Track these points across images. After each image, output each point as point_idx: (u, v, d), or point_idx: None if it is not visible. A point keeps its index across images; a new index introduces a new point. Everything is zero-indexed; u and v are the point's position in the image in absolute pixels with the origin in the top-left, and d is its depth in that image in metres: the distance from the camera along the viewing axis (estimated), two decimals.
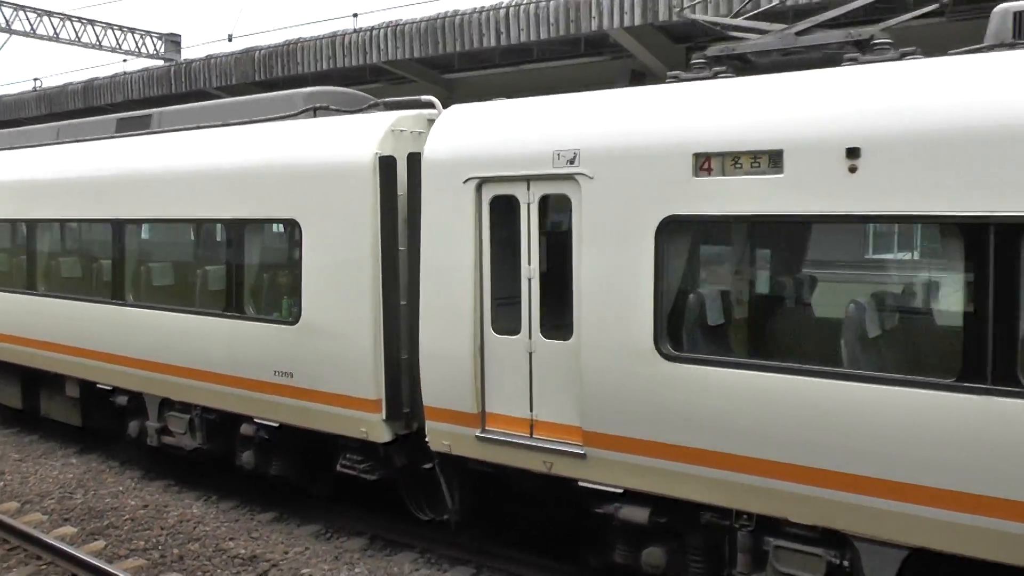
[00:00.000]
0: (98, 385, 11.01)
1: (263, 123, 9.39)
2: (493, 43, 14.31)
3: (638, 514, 6.74)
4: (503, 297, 7.38)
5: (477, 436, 7.40)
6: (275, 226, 8.94)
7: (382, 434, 8.05)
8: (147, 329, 10.08)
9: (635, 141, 6.54)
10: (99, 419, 11.71)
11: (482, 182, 7.30)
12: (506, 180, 7.19)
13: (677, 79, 7.09)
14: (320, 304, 8.29)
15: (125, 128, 11.40)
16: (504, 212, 7.33)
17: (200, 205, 9.45)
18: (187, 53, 29.49)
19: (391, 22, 15.99)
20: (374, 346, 7.94)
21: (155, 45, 29.97)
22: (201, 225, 9.69)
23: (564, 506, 7.54)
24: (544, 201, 7.10)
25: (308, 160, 8.39)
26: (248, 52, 18.64)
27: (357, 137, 8.13)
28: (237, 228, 9.05)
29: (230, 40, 30.28)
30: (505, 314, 7.36)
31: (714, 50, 7.19)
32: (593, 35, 13.67)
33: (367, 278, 7.93)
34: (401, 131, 8.09)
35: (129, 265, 10.47)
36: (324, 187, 8.22)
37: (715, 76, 6.92)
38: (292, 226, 8.53)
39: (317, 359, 8.32)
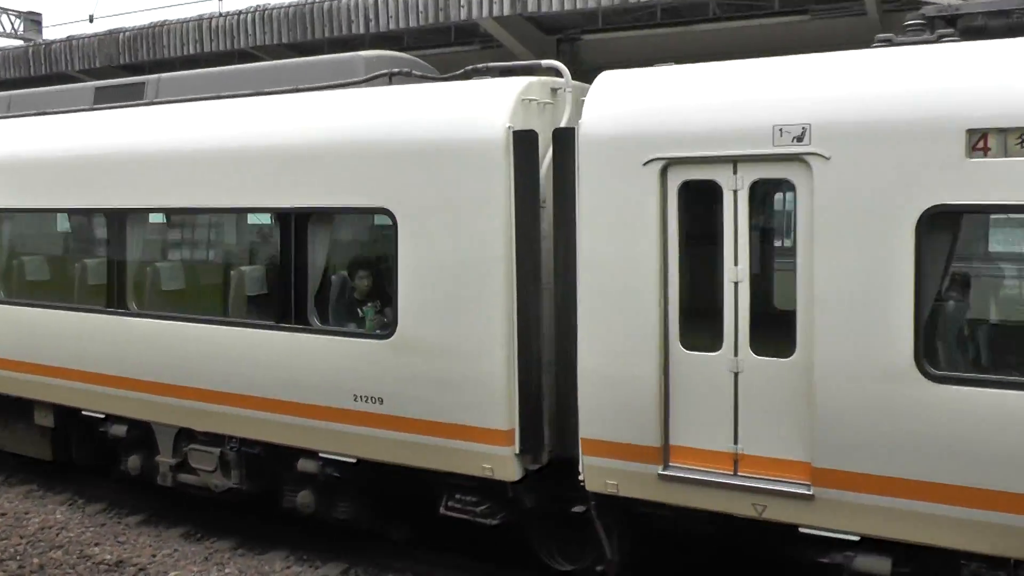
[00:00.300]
0: (84, 412, 8.92)
1: (318, 92, 7.64)
2: (362, 30, 14.11)
3: (878, 565, 5.57)
4: (693, 305, 6.04)
5: (660, 474, 6.02)
6: (355, 217, 7.23)
7: (513, 471, 6.54)
8: (160, 345, 8.13)
9: (888, 114, 5.34)
10: (80, 452, 9.58)
11: (669, 164, 5.91)
12: (704, 162, 5.84)
13: (890, 43, 5.96)
14: (425, 313, 6.68)
15: (108, 99, 9.30)
16: (698, 201, 5.99)
17: (238, 191, 7.60)
18: (48, 34, 27.16)
19: (258, 6, 15.41)
20: (507, 365, 6.41)
21: (12, 24, 26.79)
22: (240, 216, 7.84)
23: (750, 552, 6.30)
24: (753, 187, 5.81)
25: (404, 136, 6.74)
26: (112, 34, 17.52)
27: (476, 108, 6.57)
28: (298, 220, 7.26)
29: (91, 21, 29.50)
30: (696, 326, 6.02)
31: (931, 10, 6.10)
32: (463, 24, 13.60)
33: (497, 281, 6.40)
34: (532, 101, 6.59)
35: (132, 265, 8.45)
36: (430, 169, 6.60)
37: (939, 40, 5.84)
38: (382, 217, 6.86)
39: (420, 381, 6.71)
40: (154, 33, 16.73)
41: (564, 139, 6.31)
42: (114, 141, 8.57)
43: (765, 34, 12.62)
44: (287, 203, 7.29)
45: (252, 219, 8.28)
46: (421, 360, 6.69)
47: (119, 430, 8.70)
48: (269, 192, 7.41)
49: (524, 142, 6.35)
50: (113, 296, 8.49)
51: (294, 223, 7.25)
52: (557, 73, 6.85)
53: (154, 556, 8.27)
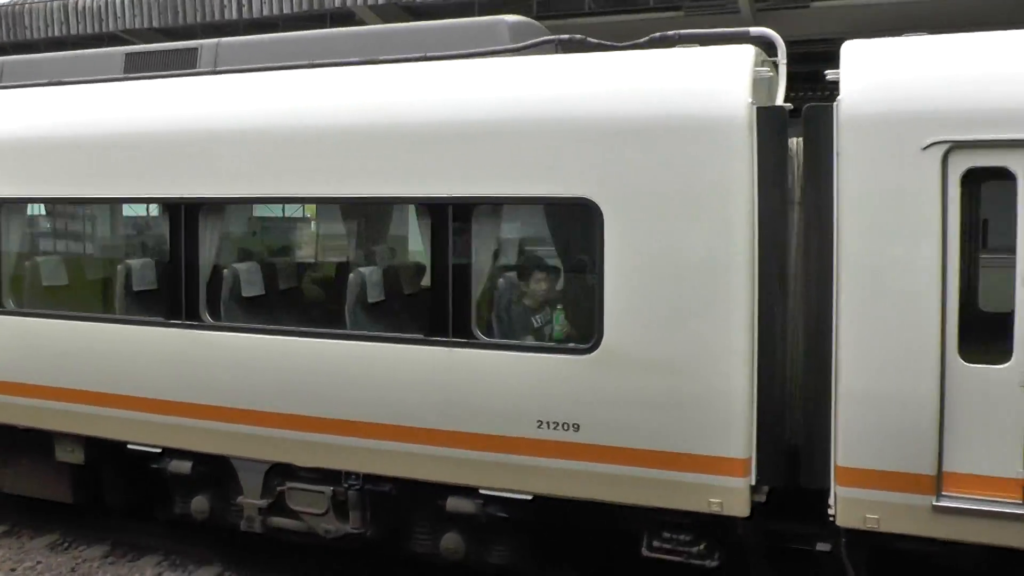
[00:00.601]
0: (130, 446, 7.35)
1: (461, 60, 6.47)
2: (235, 16, 14.18)
3: None
4: (975, 312, 5.33)
5: (934, 505, 5.28)
6: (531, 208, 6.12)
7: (745, 506, 5.65)
8: (246, 363, 6.73)
9: None
10: (113, 493, 7.95)
11: (952, 148, 5.17)
12: (995, 146, 5.12)
13: None
14: (639, 323, 5.67)
15: (145, 67, 7.72)
16: (984, 191, 5.29)
17: (366, 177, 6.33)
18: None
19: None
20: (747, 383, 5.51)
21: None
22: (370, 207, 6.54)
23: None
24: None
25: (613, 113, 5.68)
26: None
27: (708, 81, 5.62)
28: (456, 212, 6.07)
29: None
30: (978, 336, 5.31)
31: None
32: (338, 11, 13.83)
33: (738, 284, 5.48)
34: (759, 73, 5.71)
35: (204, 267, 6.97)
36: (648, 152, 5.60)
37: None
38: (581, 209, 5.80)
39: (632, 404, 5.71)
40: (14, 12, 15.72)
41: (818, 118, 5.45)
42: (174, 117, 7.07)
43: (637, 29, 12.57)
44: (440, 191, 6.08)
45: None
46: (634, 378, 5.69)
47: (181, 467, 7.20)
48: (411, 178, 6.19)
49: (771, 121, 5.46)
50: (179, 305, 6.98)
51: (451, 215, 6.06)
52: (769, 43, 5.98)
53: (13, 570, 7.86)
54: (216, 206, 6.96)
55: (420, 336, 6.18)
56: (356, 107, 6.47)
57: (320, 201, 6.79)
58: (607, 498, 5.90)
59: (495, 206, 6.10)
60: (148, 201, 7.28)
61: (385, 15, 13.64)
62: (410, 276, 6.97)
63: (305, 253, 7.43)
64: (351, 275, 6.64)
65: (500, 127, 5.94)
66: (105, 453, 7.62)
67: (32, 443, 7.92)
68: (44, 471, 8.03)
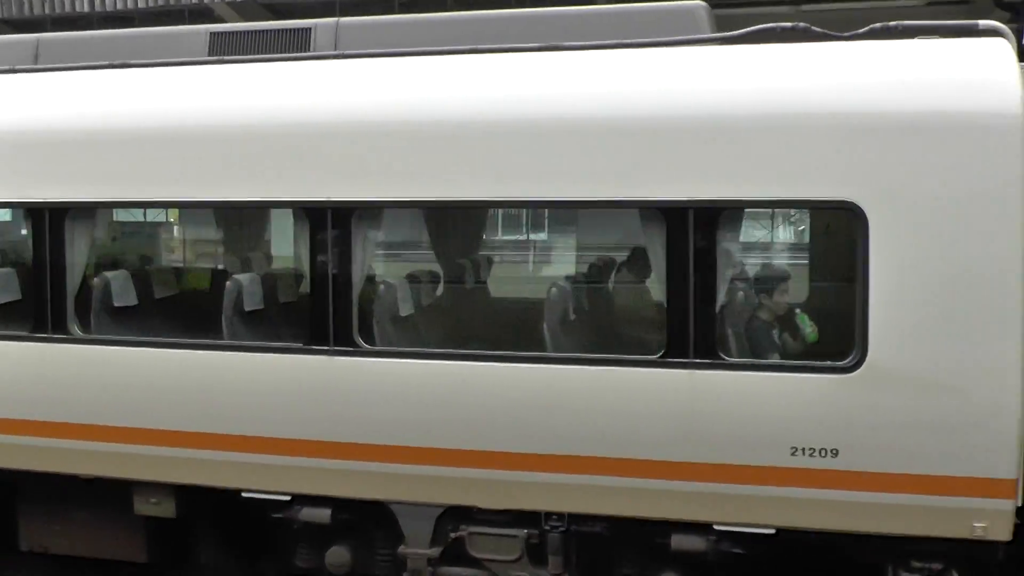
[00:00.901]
0: (244, 494, 6.23)
1: (664, 48, 5.87)
2: (87, 8, 13.99)
3: None
4: None
5: None
6: (768, 212, 5.62)
7: (1008, 529, 5.43)
8: (417, 394, 5.84)
9: None
10: (208, 548, 6.73)
11: None
12: None
13: None
14: (908, 339, 5.32)
15: (236, 49, 6.59)
16: None
17: (577, 178, 5.62)
18: None
19: None
20: (1019, 398, 5.30)
21: None
22: (576, 211, 5.81)
23: None
24: None
25: (877, 109, 5.26)
26: None
27: (972, 75, 5.31)
28: (699, 217, 5.43)
29: None
30: None
31: None
32: (195, 7, 13.96)
33: (1009, 296, 5.25)
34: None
35: (356, 283, 5.96)
36: (917, 151, 5.23)
37: None
38: (839, 213, 5.37)
39: (898, 425, 5.35)
40: None
41: None
42: (309, 108, 6.03)
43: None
44: (678, 194, 5.46)
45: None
46: (901, 397, 5.34)
47: (317, 515, 6.16)
48: (634, 180, 5.54)
49: None
50: (323, 328, 5.95)
51: (692, 221, 5.45)
52: (1003, 37, 5.75)
53: None
54: (372, 210, 6.00)
55: (655, 358, 5.55)
56: (549, 98, 5.73)
57: (507, 205, 6.00)
58: (861, 528, 5.53)
59: (741, 210, 5.55)
60: (277, 205, 6.16)
61: (243, 12, 13.31)
62: (619, 289, 6.30)
63: (479, 260, 6.55)
64: (552, 290, 5.88)
65: (746, 123, 5.41)
66: (203, 503, 6.44)
67: (94, 495, 6.59)
68: (110, 526, 6.70)
